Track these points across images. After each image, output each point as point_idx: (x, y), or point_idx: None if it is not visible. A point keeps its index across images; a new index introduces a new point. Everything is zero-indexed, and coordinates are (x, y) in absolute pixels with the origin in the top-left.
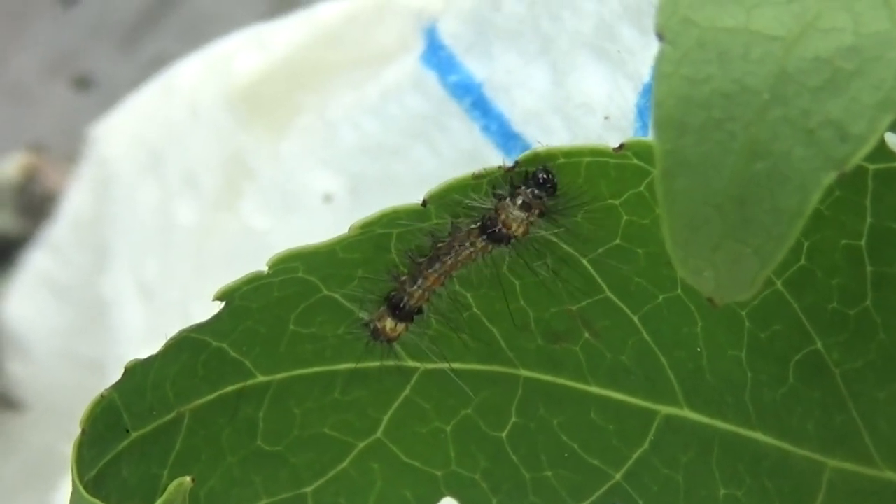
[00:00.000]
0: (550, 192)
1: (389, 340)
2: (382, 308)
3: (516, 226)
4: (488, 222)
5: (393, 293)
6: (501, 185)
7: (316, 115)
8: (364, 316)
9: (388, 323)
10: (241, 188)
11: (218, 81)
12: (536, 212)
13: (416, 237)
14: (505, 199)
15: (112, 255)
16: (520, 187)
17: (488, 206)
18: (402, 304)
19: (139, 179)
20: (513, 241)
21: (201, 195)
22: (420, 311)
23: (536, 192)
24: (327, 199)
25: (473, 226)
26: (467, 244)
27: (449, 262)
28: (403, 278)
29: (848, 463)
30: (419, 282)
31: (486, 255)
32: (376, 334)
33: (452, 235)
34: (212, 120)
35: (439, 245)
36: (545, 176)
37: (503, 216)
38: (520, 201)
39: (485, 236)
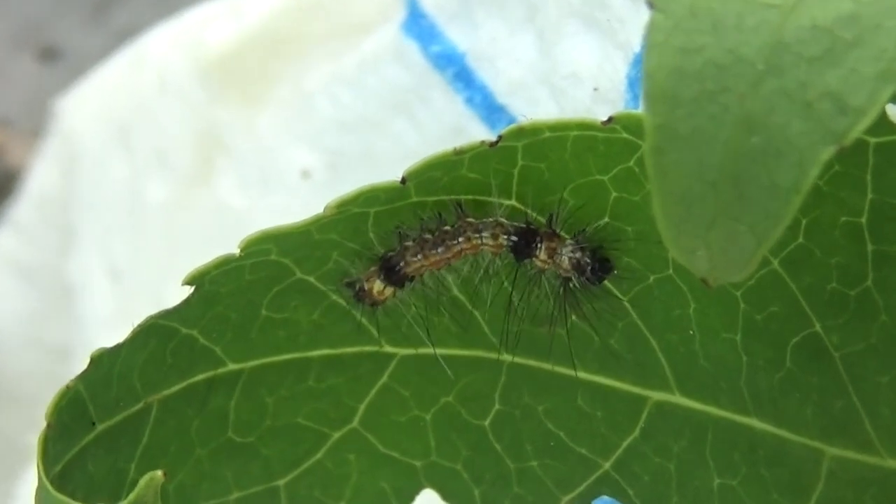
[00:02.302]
0: (597, 280)
1: (373, 304)
2: (374, 268)
3: (551, 265)
4: (524, 245)
5: (391, 254)
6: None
7: (292, 87)
8: (352, 272)
9: (377, 285)
10: (215, 164)
11: (190, 52)
12: (575, 276)
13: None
14: (563, 245)
15: (79, 235)
16: (583, 252)
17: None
18: (397, 268)
19: (107, 155)
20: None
21: (173, 171)
22: (412, 279)
23: (591, 270)
24: (305, 175)
25: (506, 237)
26: (488, 243)
27: (458, 248)
28: (407, 243)
29: (848, 451)
30: (422, 254)
31: (495, 257)
32: (360, 295)
33: (477, 226)
34: (183, 93)
35: (459, 226)
36: (606, 265)
37: (545, 251)
38: (575, 261)
39: (512, 246)
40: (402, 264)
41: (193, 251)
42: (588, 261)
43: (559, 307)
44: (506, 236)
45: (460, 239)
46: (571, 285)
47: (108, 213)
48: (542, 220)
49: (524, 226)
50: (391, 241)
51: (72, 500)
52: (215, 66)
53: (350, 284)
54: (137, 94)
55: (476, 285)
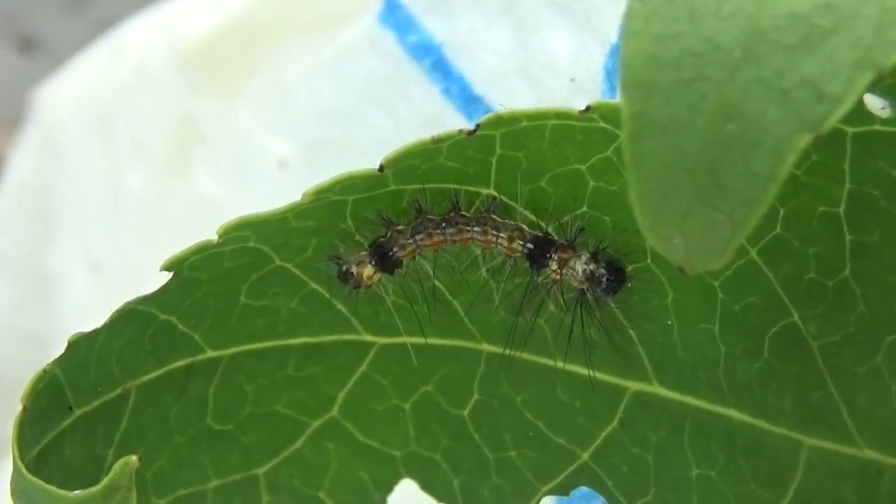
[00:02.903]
0: (611, 290)
1: (358, 287)
2: (364, 252)
3: (563, 274)
4: (540, 252)
5: (383, 239)
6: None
7: (270, 78)
8: (342, 253)
9: (367, 269)
10: (194, 154)
11: (168, 43)
12: (587, 286)
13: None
14: (577, 257)
15: (58, 225)
16: (597, 262)
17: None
18: (390, 253)
19: (86, 145)
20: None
21: (152, 161)
22: (401, 265)
23: (605, 281)
24: (283, 165)
25: (521, 240)
26: (500, 239)
27: (460, 236)
28: (400, 227)
29: (826, 441)
30: (419, 237)
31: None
32: (347, 277)
33: (487, 217)
34: (162, 83)
35: (463, 214)
36: (621, 276)
37: (557, 262)
38: (588, 271)
39: (526, 251)
40: (395, 249)
41: (171, 241)
42: (603, 272)
43: (574, 318)
44: (522, 242)
45: (476, 229)
46: (587, 286)
47: (87, 203)
48: (522, 209)
49: (541, 234)
50: (370, 228)
51: (48, 485)
52: (194, 56)
53: (336, 261)
54: (116, 85)
55: (448, 262)
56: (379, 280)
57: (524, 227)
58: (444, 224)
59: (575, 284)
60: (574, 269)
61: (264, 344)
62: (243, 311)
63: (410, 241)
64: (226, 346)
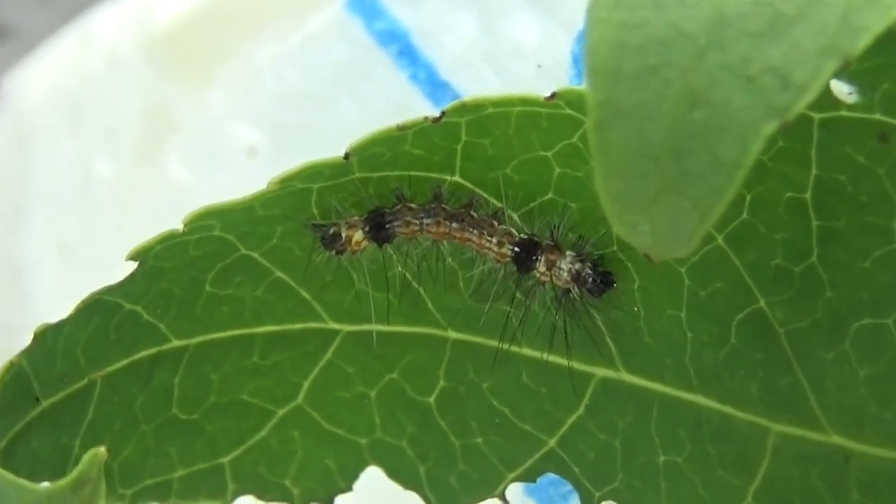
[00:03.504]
0: (598, 292)
1: (340, 252)
2: (357, 217)
3: (550, 277)
4: (525, 256)
5: (387, 210)
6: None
7: (239, 65)
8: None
9: (357, 234)
10: (164, 141)
11: (138, 30)
12: (574, 288)
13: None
14: (562, 257)
15: (28, 213)
16: (582, 262)
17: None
18: (388, 226)
19: (56, 133)
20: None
21: (122, 149)
22: (393, 239)
23: (591, 281)
24: (251, 152)
25: (510, 244)
26: (491, 244)
27: (461, 234)
28: (410, 204)
29: (794, 427)
30: (428, 222)
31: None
32: (333, 239)
33: (487, 221)
34: (132, 70)
35: (472, 214)
36: (607, 279)
37: (544, 264)
38: (574, 271)
39: (512, 255)
40: (396, 224)
41: (142, 228)
42: (589, 273)
43: (559, 316)
44: (510, 247)
45: (474, 232)
46: (571, 296)
47: (57, 191)
48: (488, 195)
49: (527, 237)
50: (332, 216)
51: (16, 477)
52: (163, 43)
53: (318, 227)
54: (86, 72)
55: (411, 250)
56: (363, 249)
57: (513, 230)
58: (454, 218)
59: (560, 284)
60: (560, 269)
61: (229, 333)
62: (208, 300)
63: (416, 221)
64: (191, 335)
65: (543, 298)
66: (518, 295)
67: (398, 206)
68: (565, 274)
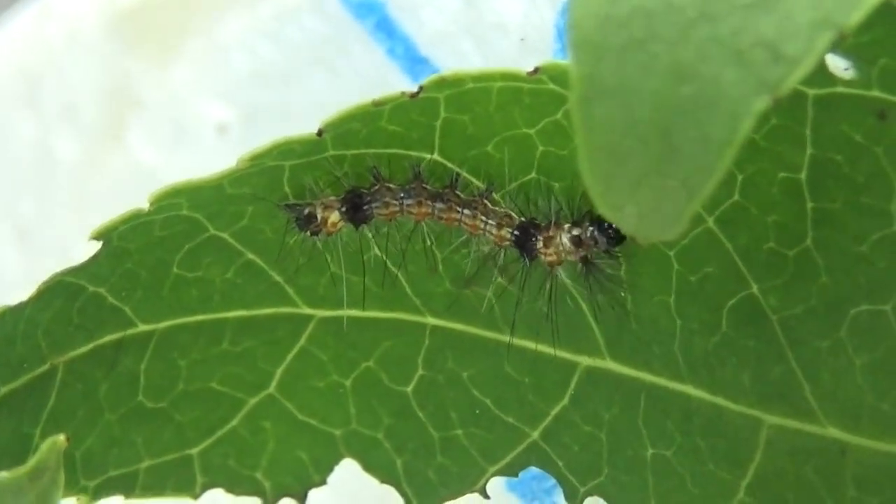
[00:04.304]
0: (612, 242)
1: (315, 234)
2: (334, 197)
3: (553, 254)
4: (525, 235)
5: (364, 190)
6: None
7: (207, 39)
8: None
9: (334, 216)
10: (127, 120)
11: (100, 3)
12: (583, 253)
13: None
14: (560, 222)
15: None
16: (580, 226)
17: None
18: (365, 207)
19: (14, 111)
20: (535, 257)
21: (82, 128)
22: (370, 220)
23: (597, 234)
24: (221, 129)
25: (510, 228)
26: (489, 225)
27: (448, 214)
28: (389, 184)
29: (787, 419)
30: (408, 202)
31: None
32: (308, 220)
33: (479, 201)
34: (93, 45)
35: (457, 194)
36: (615, 232)
37: (545, 237)
38: (575, 232)
39: (514, 240)
40: (375, 205)
41: (104, 210)
42: (591, 230)
43: (544, 302)
44: (509, 229)
45: (466, 211)
46: (583, 253)
47: (15, 171)
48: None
49: (525, 220)
50: (307, 196)
51: None
52: (127, 17)
53: (292, 207)
54: (45, 47)
55: (389, 231)
56: (339, 230)
57: (512, 214)
58: (437, 198)
59: (573, 258)
60: (562, 243)
61: (198, 317)
62: (176, 283)
63: (396, 202)
64: (158, 319)
65: (530, 283)
66: (500, 279)
67: (376, 186)
68: (570, 244)
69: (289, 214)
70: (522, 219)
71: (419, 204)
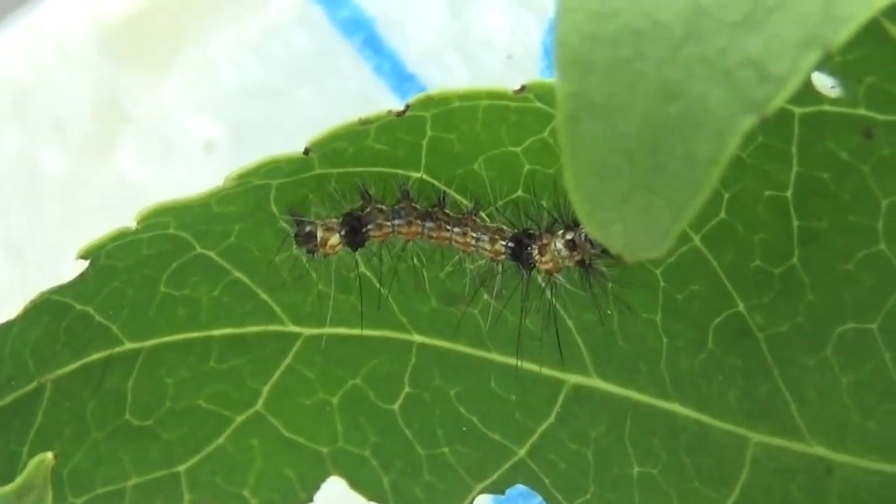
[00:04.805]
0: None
1: (311, 252)
2: (334, 220)
3: (549, 262)
4: (520, 245)
5: (359, 213)
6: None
7: (196, 55)
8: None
9: (334, 238)
10: (117, 134)
11: (90, 18)
12: (579, 256)
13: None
14: (553, 229)
15: None
16: (576, 227)
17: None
18: (363, 230)
19: (2, 124)
20: (533, 267)
21: (72, 142)
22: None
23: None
24: (209, 145)
25: (504, 241)
26: (483, 240)
27: (438, 233)
28: (381, 206)
29: (773, 437)
30: (398, 223)
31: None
32: (308, 238)
33: (468, 218)
34: (83, 60)
35: (446, 212)
36: None
37: (539, 246)
38: (568, 237)
39: (509, 252)
40: (370, 227)
41: (92, 225)
42: (586, 236)
43: (531, 320)
44: (503, 242)
45: (456, 230)
46: (578, 258)
47: (4, 185)
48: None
49: (517, 231)
50: (302, 211)
51: None
52: (116, 32)
53: (297, 220)
54: (34, 61)
55: (389, 262)
56: (335, 252)
57: (504, 227)
58: (426, 217)
59: (570, 262)
60: (557, 249)
61: (185, 335)
62: (163, 301)
63: (388, 223)
64: (145, 337)
65: (516, 300)
66: (487, 297)
67: (370, 209)
68: (565, 249)
69: (291, 227)
70: (515, 230)
71: (409, 224)
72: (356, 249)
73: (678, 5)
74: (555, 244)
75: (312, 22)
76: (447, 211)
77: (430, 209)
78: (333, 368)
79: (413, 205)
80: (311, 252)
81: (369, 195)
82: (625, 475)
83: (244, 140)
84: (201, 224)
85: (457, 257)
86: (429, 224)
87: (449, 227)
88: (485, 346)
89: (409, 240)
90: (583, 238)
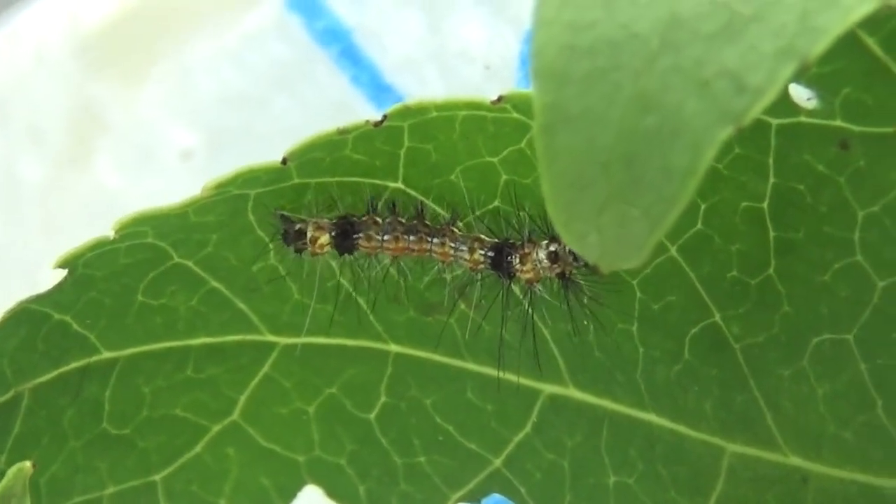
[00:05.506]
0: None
1: (299, 251)
2: (326, 221)
3: (530, 271)
4: (500, 255)
5: (355, 219)
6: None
7: (173, 64)
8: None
9: (324, 238)
10: (94, 143)
11: (67, 27)
12: (559, 269)
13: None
14: (535, 240)
15: None
16: (557, 241)
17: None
18: (355, 236)
19: None
20: (513, 276)
21: (48, 150)
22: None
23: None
24: (186, 153)
25: (483, 250)
26: (463, 252)
27: (419, 245)
28: (377, 217)
29: (749, 447)
30: (386, 238)
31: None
32: (297, 235)
33: (446, 229)
34: (60, 68)
35: (426, 224)
36: None
37: (520, 255)
38: (552, 248)
39: (489, 261)
40: (360, 236)
41: (70, 234)
42: (568, 248)
43: (507, 329)
44: (482, 251)
45: (435, 241)
46: (558, 270)
47: None
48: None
49: (498, 241)
50: (274, 223)
51: None
52: (94, 41)
53: (285, 219)
54: (11, 69)
55: (351, 259)
56: (323, 252)
57: (483, 237)
58: (410, 231)
59: (550, 273)
60: (539, 259)
61: (162, 344)
62: (140, 310)
63: (378, 237)
64: (122, 346)
65: (494, 310)
66: (463, 307)
67: (367, 218)
68: (546, 260)
69: (279, 225)
70: (496, 240)
71: (396, 239)
72: (343, 254)
73: (655, 16)
74: (537, 254)
75: (290, 32)
76: (427, 223)
77: (413, 223)
78: (310, 378)
79: (399, 219)
80: (298, 251)
81: (374, 205)
82: (601, 485)
83: (221, 149)
84: (179, 233)
85: (435, 267)
86: (412, 238)
87: (430, 239)
88: (461, 355)
89: (396, 256)
90: (566, 250)
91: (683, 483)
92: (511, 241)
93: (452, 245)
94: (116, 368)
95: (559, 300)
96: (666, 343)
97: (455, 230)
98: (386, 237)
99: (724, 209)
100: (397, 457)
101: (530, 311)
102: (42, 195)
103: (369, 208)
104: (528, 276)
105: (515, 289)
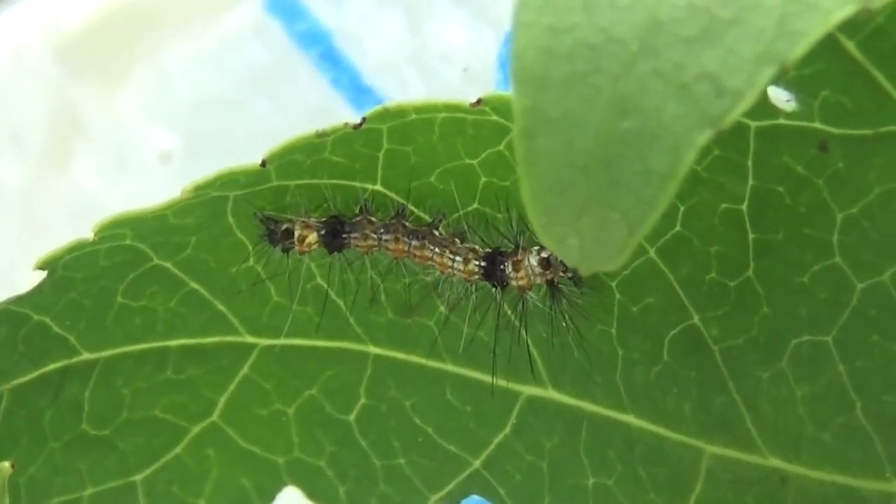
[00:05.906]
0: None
1: (286, 251)
2: (315, 220)
3: (524, 278)
4: (492, 264)
5: (346, 218)
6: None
7: (151, 67)
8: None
9: (312, 236)
10: (73, 145)
11: (45, 29)
12: (550, 276)
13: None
14: (527, 247)
15: None
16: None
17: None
18: (344, 236)
19: None
20: (506, 285)
21: (27, 153)
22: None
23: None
24: (165, 156)
25: (476, 259)
26: (456, 262)
27: (421, 252)
28: (371, 217)
29: (728, 449)
30: (386, 238)
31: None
32: (285, 235)
33: (450, 240)
34: (39, 71)
35: (434, 235)
36: None
37: (514, 263)
38: (543, 255)
39: (482, 270)
40: (352, 236)
41: (48, 236)
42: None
43: (486, 331)
44: (476, 262)
45: (435, 249)
46: (550, 276)
47: None
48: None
49: (490, 250)
50: (256, 225)
51: None
52: (72, 43)
53: (269, 220)
54: None
55: (331, 260)
56: (310, 251)
57: (478, 247)
58: (413, 236)
59: (541, 280)
60: (531, 266)
61: (142, 346)
62: (120, 312)
63: (374, 236)
64: (102, 347)
65: (471, 312)
66: (442, 309)
67: (360, 218)
68: (538, 267)
69: (262, 226)
70: (487, 249)
71: (396, 241)
72: (332, 252)
73: (634, 20)
74: (528, 260)
75: (270, 35)
76: (406, 224)
77: (421, 228)
78: (290, 379)
79: (404, 223)
80: (285, 250)
81: (367, 206)
82: (580, 486)
83: (200, 151)
84: (158, 235)
85: (413, 270)
86: (415, 243)
87: (432, 248)
88: (440, 357)
89: (398, 258)
90: (556, 258)
91: (663, 484)
92: (502, 249)
93: (437, 250)
94: (96, 369)
95: (543, 303)
96: (645, 345)
97: (456, 241)
98: (385, 237)
99: (703, 211)
100: (377, 458)
101: (523, 318)
102: (21, 197)
103: (363, 208)
104: (521, 282)
105: (494, 292)
